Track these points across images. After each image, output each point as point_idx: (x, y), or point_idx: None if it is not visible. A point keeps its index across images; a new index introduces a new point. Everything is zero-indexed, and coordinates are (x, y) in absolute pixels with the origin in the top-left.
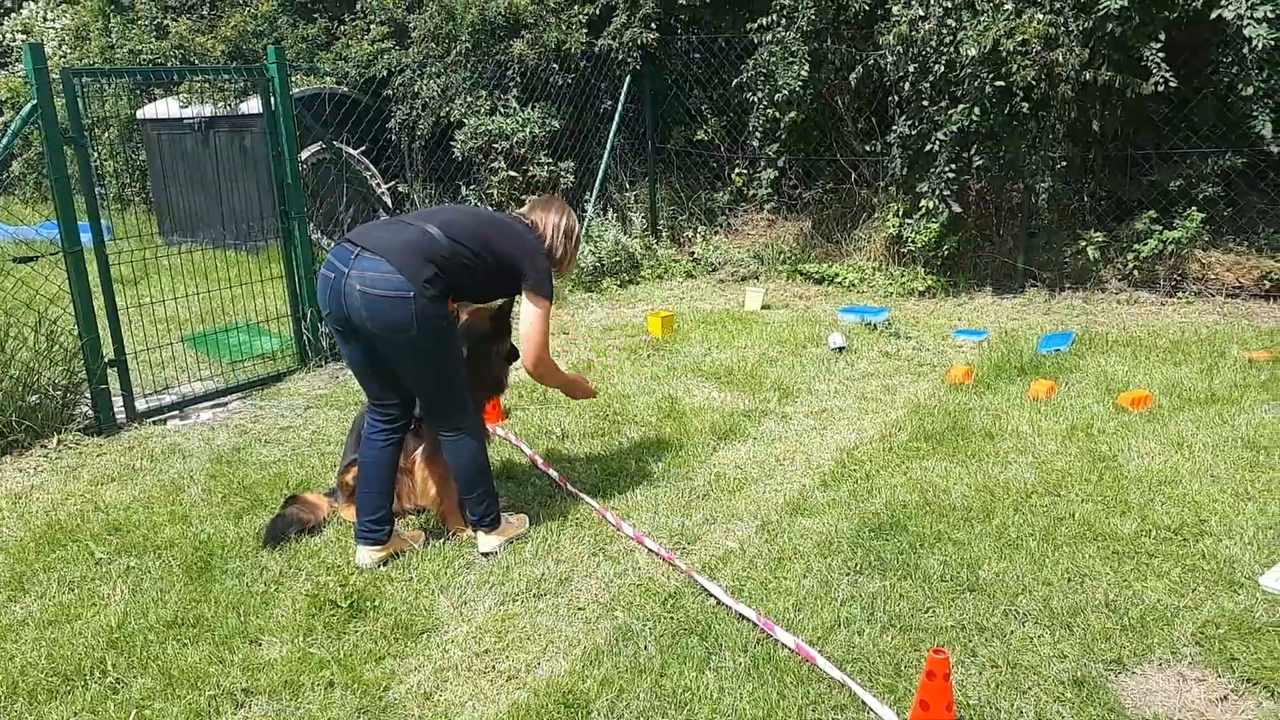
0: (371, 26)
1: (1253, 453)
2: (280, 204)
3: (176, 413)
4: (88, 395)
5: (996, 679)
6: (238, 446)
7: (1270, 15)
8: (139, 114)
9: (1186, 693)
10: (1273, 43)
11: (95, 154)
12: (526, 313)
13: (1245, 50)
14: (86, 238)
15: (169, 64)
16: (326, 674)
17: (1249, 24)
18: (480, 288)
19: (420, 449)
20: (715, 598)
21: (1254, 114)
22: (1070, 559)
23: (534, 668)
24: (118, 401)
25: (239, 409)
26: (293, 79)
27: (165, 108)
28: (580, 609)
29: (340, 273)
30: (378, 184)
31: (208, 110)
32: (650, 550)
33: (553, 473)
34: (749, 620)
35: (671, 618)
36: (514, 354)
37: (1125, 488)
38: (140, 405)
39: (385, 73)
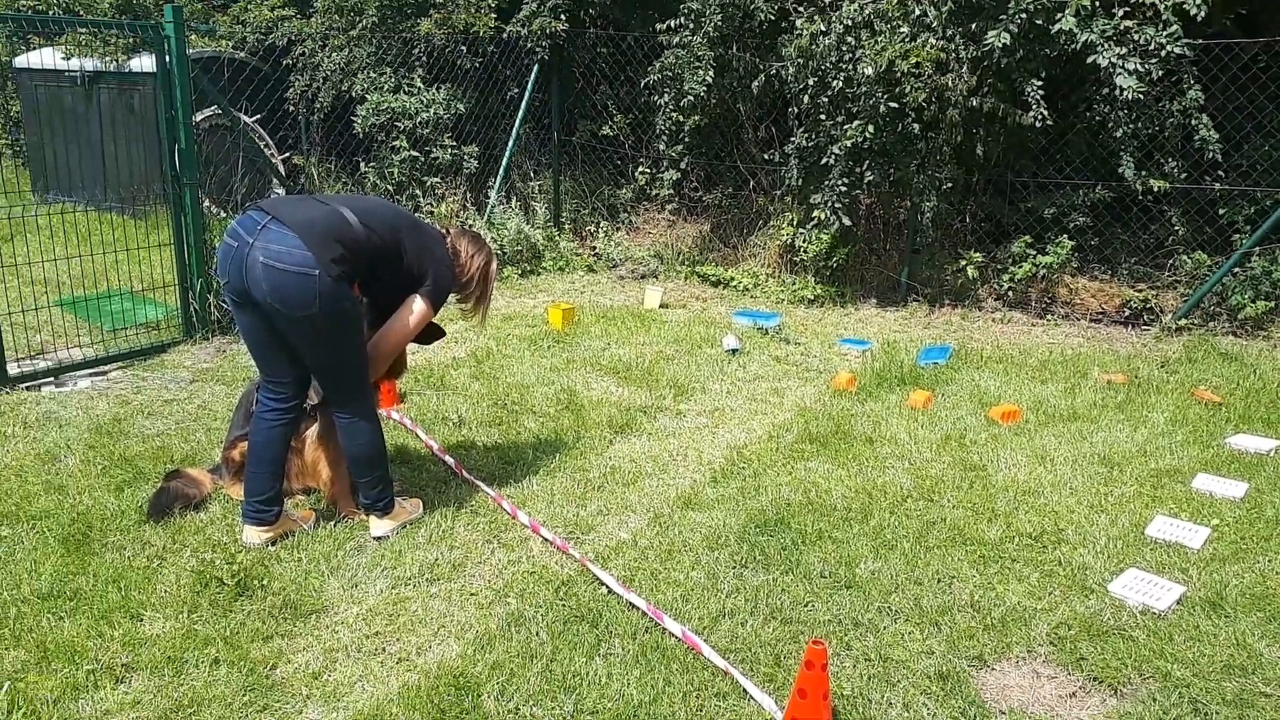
0: None
1: (1107, 468)
2: (172, 169)
3: (52, 379)
4: None
5: (869, 672)
6: (118, 417)
7: (1140, 68)
8: (14, 62)
9: (1040, 689)
10: (1140, 95)
11: None
12: (414, 306)
13: (1117, 94)
14: None
15: (51, 12)
16: (212, 651)
17: (1120, 73)
18: (384, 282)
19: (313, 428)
20: (607, 586)
21: (1120, 153)
22: (940, 561)
23: (425, 651)
24: None
25: (120, 379)
26: (188, 39)
27: (42, 57)
28: (473, 594)
29: (244, 242)
30: (272, 154)
31: (91, 64)
32: (544, 539)
33: (449, 459)
34: (638, 609)
35: (563, 605)
36: (435, 332)
37: (993, 496)
38: (13, 370)
39: (285, 41)
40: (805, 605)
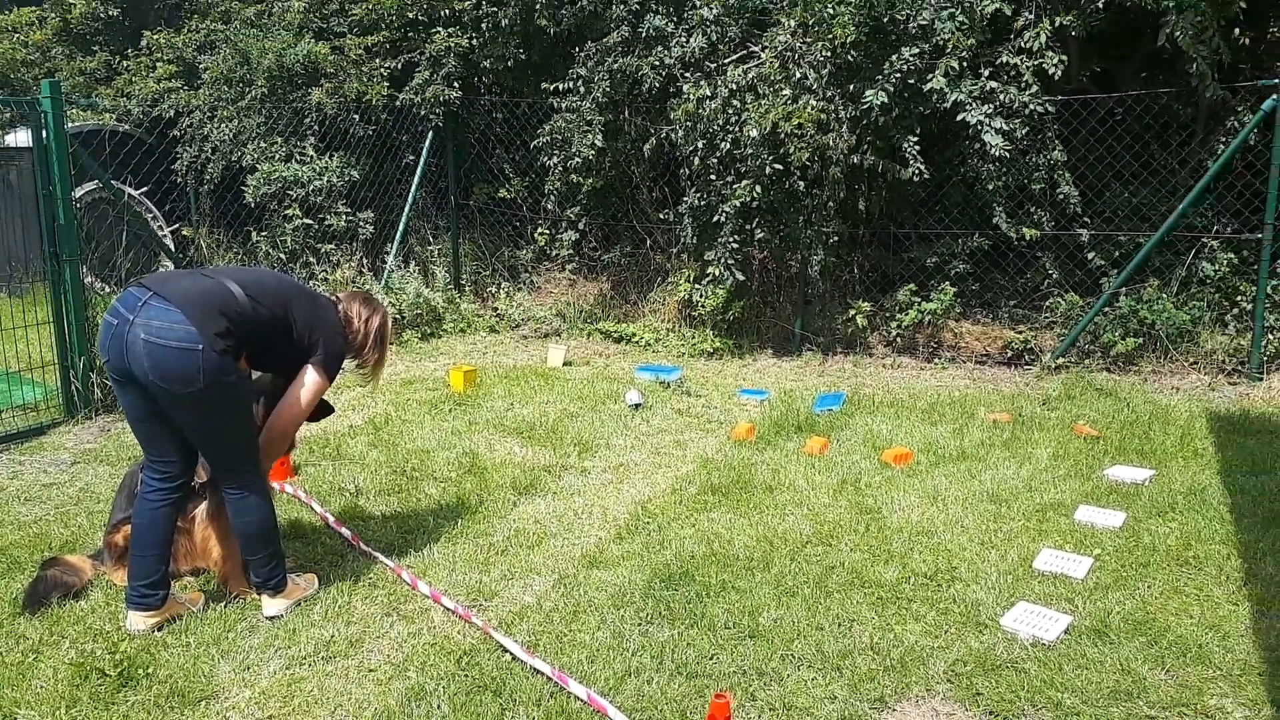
0: (158, 65)
1: (996, 505)
2: (50, 245)
3: None
4: None
5: None
6: None
7: (1005, 127)
8: None
9: None
10: (1006, 152)
11: None
12: (306, 379)
13: (986, 150)
14: None
15: None
16: None
17: (987, 130)
18: (275, 353)
19: (201, 507)
20: (510, 653)
21: (993, 205)
22: (840, 605)
23: None
24: None
25: None
26: (71, 113)
27: None
28: (371, 670)
29: (125, 319)
30: (160, 227)
31: None
32: (446, 608)
33: (345, 531)
34: (543, 674)
35: (466, 675)
36: (324, 408)
37: (889, 537)
38: None
39: (172, 113)
40: (710, 658)
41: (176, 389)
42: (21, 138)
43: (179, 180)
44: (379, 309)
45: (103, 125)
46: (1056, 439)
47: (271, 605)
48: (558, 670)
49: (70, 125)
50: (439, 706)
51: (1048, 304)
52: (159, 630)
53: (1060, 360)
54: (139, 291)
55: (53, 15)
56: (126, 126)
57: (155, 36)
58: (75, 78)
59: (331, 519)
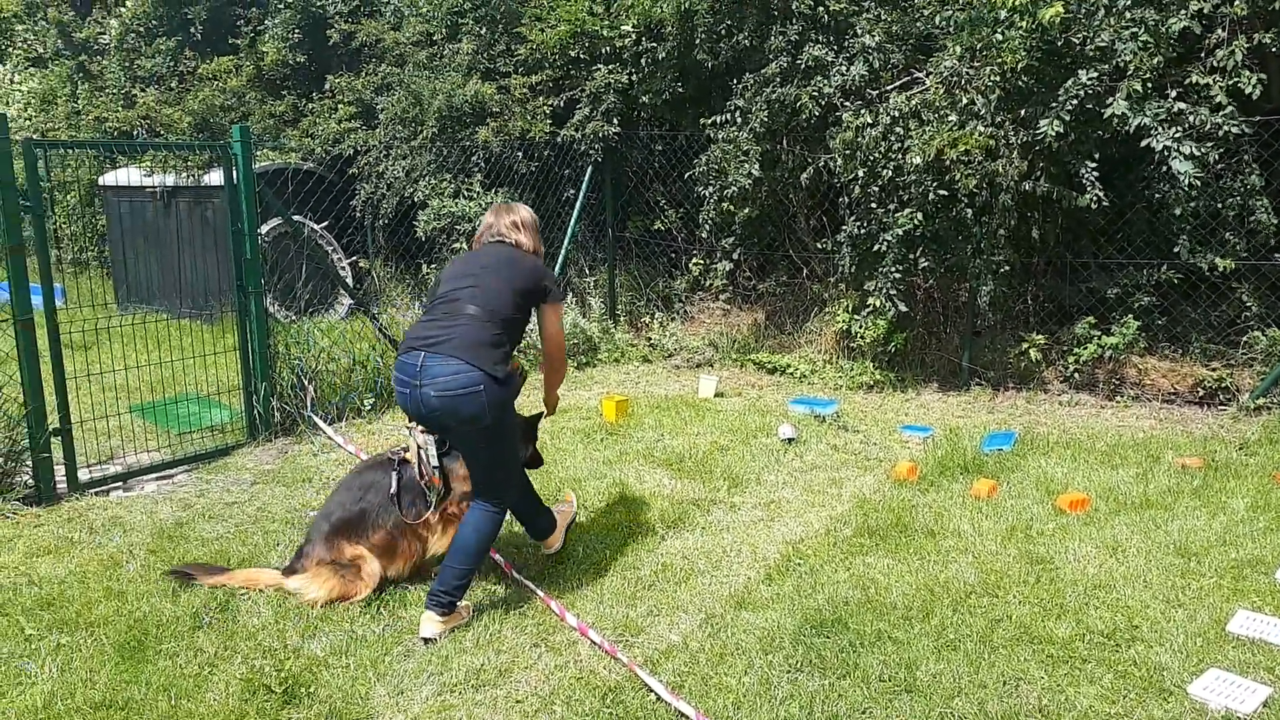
0: (339, 106)
1: (1184, 559)
2: (238, 278)
3: (120, 484)
4: (29, 464)
5: None
6: (180, 521)
7: (1195, 152)
8: (100, 180)
9: None
10: (1196, 180)
11: (54, 216)
12: (553, 316)
13: (1174, 180)
14: (38, 300)
15: (134, 133)
16: None
17: (1176, 157)
18: (524, 324)
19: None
20: (656, 694)
21: (1180, 233)
22: (1006, 661)
23: None
24: (60, 471)
25: (184, 482)
26: (259, 153)
27: (127, 175)
28: (519, 702)
29: (413, 386)
30: (339, 259)
31: (170, 179)
32: (593, 642)
33: (498, 558)
34: (688, 718)
35: (610, 713)
36: (536, 460)
37: (1061, 590)
38: (84, 475)
39: (351, 151)
40: (863, 712)
41: (465, 427)
42: (216, 177)
43: (357, 215)
44: (522, 215)
45: (288, 164)
46: (1255, 488)
47: (432, 626)
48: (702, 715)
49: (258, 165)
50: None
51: (1245, 339)
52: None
53: (1260, 400)
54: (411, 359)
55: (247, 63)
56: (309, 165)
57: (337, 80)
58: (266, 120)
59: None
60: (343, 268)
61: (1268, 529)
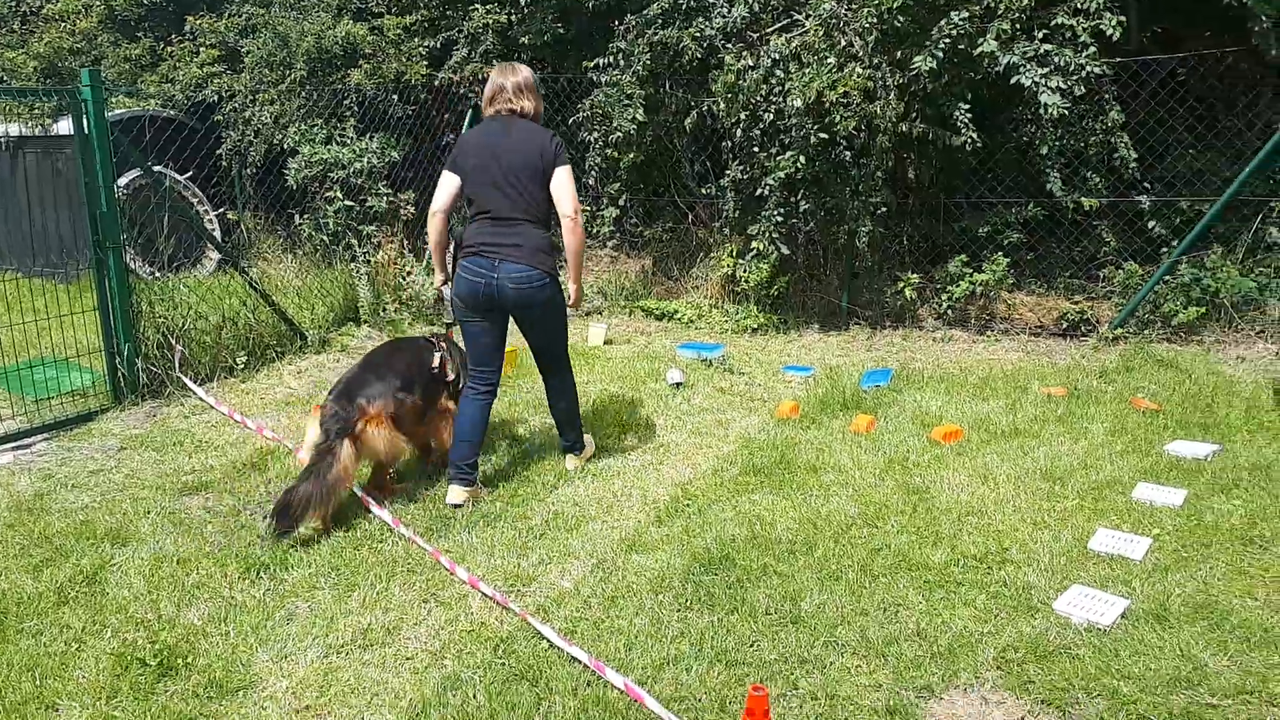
0: (201, 49)
1: (1049, 483)
2: (94, 233)
3: None
4: None
5: (816, 710)
6: (40, 492)
7: (1062, 85)
8: None
9: (988, 716)
10: (1064, 111)
11: None
12: (567, 178)
13: (1041, 112)
14: None
15: None
16: None
17: (1044, 90)
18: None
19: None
20: (548, 641)
21: (1047, 171)
22: (886, 589)
23: None
24: None
25: (44, 451)
26: (113, 100)
27: None
28: (408, 659)
29: (489, 278)
30: (205, 211)
31: (15, 129)
32: (484, 594)
33: (385, 514)
34: (580, 662)
35: (503, 664)
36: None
37: (937, 519)
38: None
39: (215, 97)
40: (751, 645)
41: (533, 312)
42: (66, 126)
43: (223, 164)
44: (520, 76)
45: (145, 111)
46: (1114, 413)
47: (572, 462)
48: (595, 659)
49: (112, 113)
50: (475, 696)
51: (1105, 273)
52: (473, 504)
53: (1118, 331)
54: (483, 262)
55: (98, 3)
56: (170, 112)
57: (198, 21)
58: (121, 65)
59: (372, 503)
60: (210, 220)
61: (1124, 451)
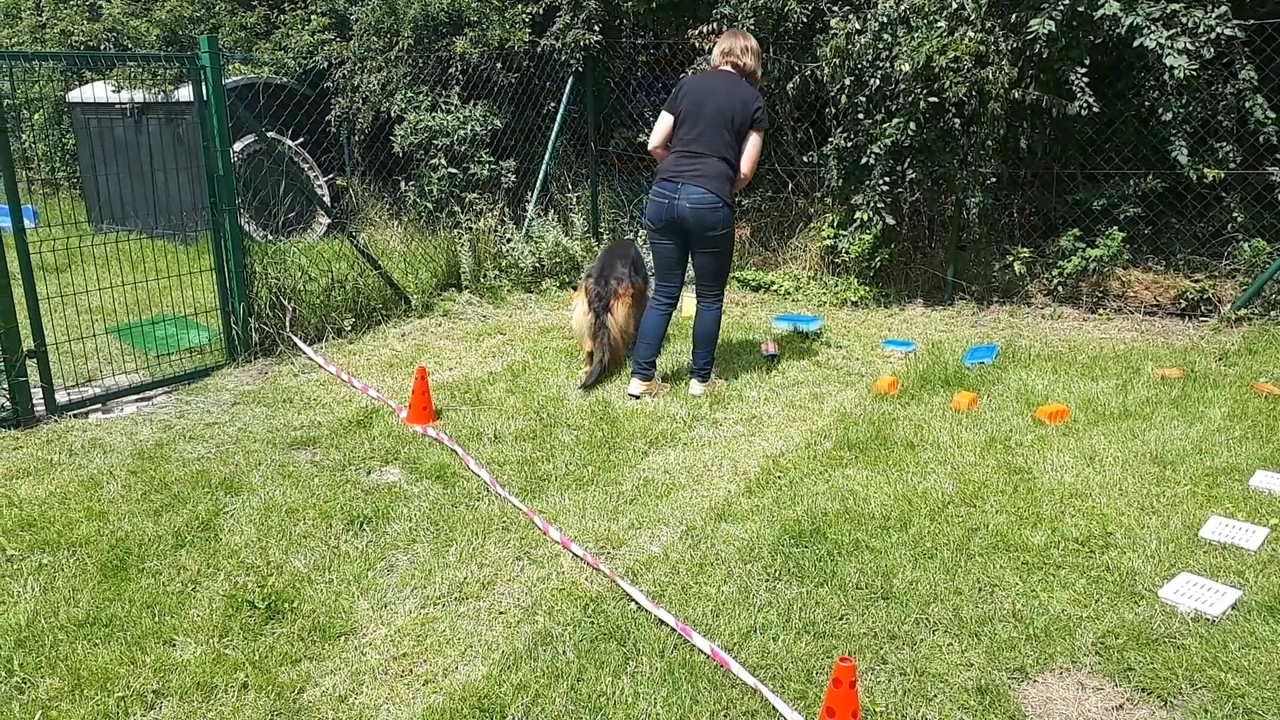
0: (312, 17)
1: (1159, 468)
2: (211, 196)
3: (99, 406)
4: (4, 387)
5: (904, 686)
6: (160, 442)
7: (1190, 47)
8: (68, 97)
9: (1085, 701)
10: (1192, 73)
11: (23, 136)
12: (757, 141)
13: (1166, 77)
14: (6, 222)
15: (101, 47)
16: (240, 676)
17: (1169, 53)
18: (740, 150)
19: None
20: (636, 603)
21: (1172, 139)
22: (982, 569)
23: (451, 672)
24: (37, 394)
25: (164, 404)
26: (229, 68)
27: (95, 91)
28: (501, 613)
29: (672, 198)
30: (316, 177)
31: (140, 95)
32: (575, 555)
33: (483, 474)
34: (667, 625)
35: (592, 623)
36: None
37: (1038, 500)
38: (61, 398)
39: (325, 65)
40: (840, 618)
41: (708, 232)
42: (187, 93)
43: (332, 131)
44: (748, 43)
45: (258, 78)
46: (1233, 397)
47: (698, 387)
48: (682, 623)
49: (229, 80)
50: (564, 652)
51: (1229, 250)
52: (650, 397)
53: (1242, 311)
54: (668, 187)
55: None
56: (283, 79)
57: None
58: (237, 33)
59: (471, 462)
60: (320, 186)
61: (1243, 438)
